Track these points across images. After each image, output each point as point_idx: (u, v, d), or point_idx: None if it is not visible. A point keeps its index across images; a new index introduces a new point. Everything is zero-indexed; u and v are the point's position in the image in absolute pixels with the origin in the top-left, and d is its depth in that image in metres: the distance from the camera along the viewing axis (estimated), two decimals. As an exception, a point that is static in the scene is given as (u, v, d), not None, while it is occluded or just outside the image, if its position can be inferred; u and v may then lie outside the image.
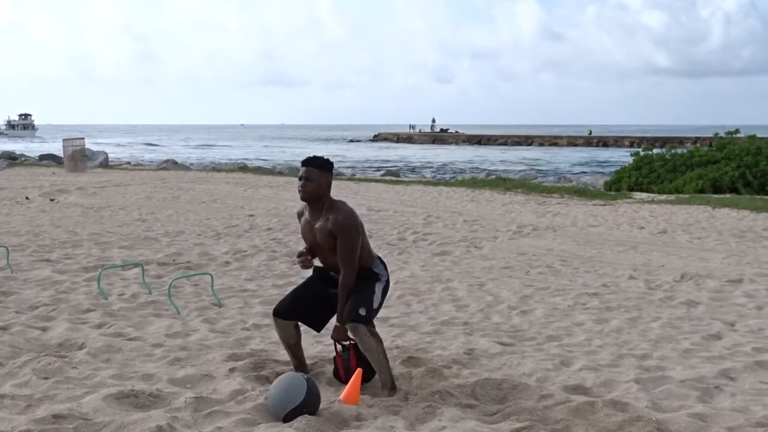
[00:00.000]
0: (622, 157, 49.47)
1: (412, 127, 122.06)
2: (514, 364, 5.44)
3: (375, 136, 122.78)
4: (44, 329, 6.16)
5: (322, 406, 4.33)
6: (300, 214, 4.85)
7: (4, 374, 4.93)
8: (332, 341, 4.92)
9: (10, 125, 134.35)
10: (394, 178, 28.77)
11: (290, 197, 18.11)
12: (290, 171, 30.10)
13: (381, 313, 6.20)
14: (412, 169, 47.63)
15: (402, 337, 6.19)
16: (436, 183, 25.09)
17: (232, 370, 5.07)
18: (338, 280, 4.67)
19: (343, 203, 4.69)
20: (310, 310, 4.87)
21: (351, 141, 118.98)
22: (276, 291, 7.92)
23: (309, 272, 5.03)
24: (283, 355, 5.31)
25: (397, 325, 6.65)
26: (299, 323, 4.92)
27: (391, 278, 5.44)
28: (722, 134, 28.34)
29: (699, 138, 74.24)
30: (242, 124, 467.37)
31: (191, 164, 38.89)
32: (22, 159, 36.57)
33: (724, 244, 11.60)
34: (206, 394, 4.59)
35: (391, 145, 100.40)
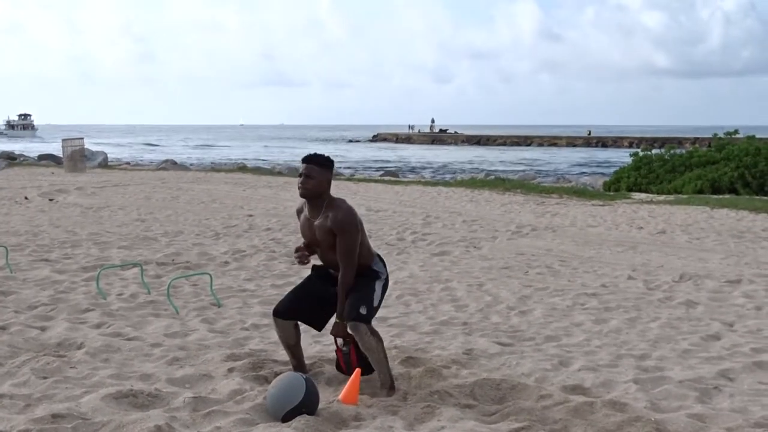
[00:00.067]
0: (621, 157, 49.46)
1: (411, 127, 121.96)
2: (513, 364, 5.44)
3: (374, 136, 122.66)
4: (43, 329, 6.16)
5: (320, 406, 4.33)
6: (299, 211, 4.85)
7: (2, 374, 4.93)
8: (332, 339, 4.91)
9: (10, 125, 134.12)
10: (393, 179, 28.75)
11: (289, 197, 18.11)
12: (289, 171, 30.10)
13: (379, 313, 6.21)
14: (412, 170, 47.63)
15: (401, 337, 6.19)
16: (435, 183, 25.09)
17: (230, 370, 5.07)
18: (337, 277, 4.67)
19: (342, 201, 4.69)
20: (310, 309, 4.87)
21: (350, 141, 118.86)
22: (275, 291, 7.92)
23: (308, 272, 5.03)
24: (282, 355, 5.31)
25: (396, 325, 6.65)
26: (299, 323, 4.92)
27: (390, 278, 5.43)
28: (721, 135, 28.32)
29: (698, 138, 74.23)
30: (242, 125, 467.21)
31: (190, 164, 38.86)
32: (21, 159, 36.55)
33: (723, 245, 11.60)
34: (205, 394, 4.59)
35: (390, 145, 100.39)
